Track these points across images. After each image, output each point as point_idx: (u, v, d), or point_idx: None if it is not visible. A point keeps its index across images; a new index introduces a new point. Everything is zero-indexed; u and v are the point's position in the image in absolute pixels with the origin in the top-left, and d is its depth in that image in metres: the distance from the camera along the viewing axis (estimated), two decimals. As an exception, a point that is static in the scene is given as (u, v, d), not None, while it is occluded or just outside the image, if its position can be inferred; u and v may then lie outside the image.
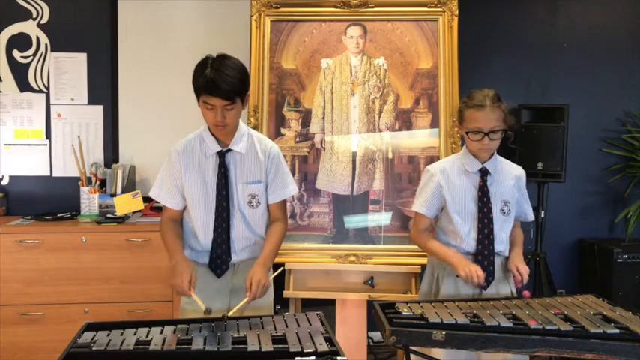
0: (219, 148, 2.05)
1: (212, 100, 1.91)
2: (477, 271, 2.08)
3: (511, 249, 2.28)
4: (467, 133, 2.18)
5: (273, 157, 2.11)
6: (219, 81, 1.87)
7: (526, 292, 2.15)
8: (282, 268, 2.16)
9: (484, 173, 2.22)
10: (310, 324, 1.82)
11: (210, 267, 2.09)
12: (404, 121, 3.01)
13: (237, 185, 2.07)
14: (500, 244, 2.23)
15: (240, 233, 2.09)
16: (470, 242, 2.22)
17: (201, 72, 1.90)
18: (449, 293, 2.22)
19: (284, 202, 2.18)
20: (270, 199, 2.13)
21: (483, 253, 2.20)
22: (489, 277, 2.20)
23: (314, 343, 1.65)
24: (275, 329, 1.77)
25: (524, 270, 2.18)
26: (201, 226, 2.07)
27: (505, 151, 2.40)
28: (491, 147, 2.18)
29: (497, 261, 2.23)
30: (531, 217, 2.39)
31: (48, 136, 3.52)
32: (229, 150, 2.05)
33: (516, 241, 2.31)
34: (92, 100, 3.54)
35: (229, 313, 1.89)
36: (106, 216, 3.23)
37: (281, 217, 2.17)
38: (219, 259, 2.08)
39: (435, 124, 3.00)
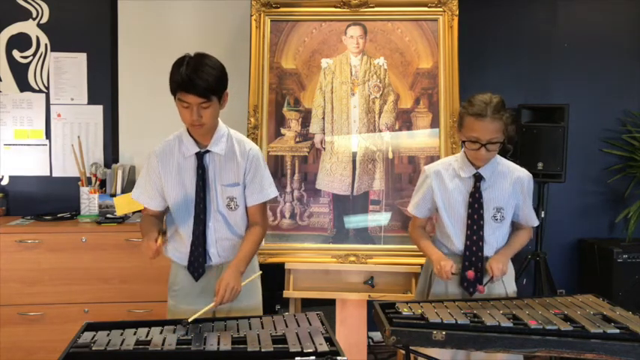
0: (198, 149, 2.02)
1: (187, 98, 1.88)
2: (445, 267, 2.08)
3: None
4: (464, 141, 2.13)
5: (252, 158, 2.07)
6: (195, 78, 1.84)
7: (480, 288, 2.12)
8: (260, 272, 2.11)
9: (477, 179, 2.18)
10: (310, 324, 1.82)
11: (189, 269, 2.08)
12: (404, 121, 3.01)
13: (216, 187, 2.04)
14: (491, 250, 2.20)
15: (220, 235, 2.07)
16: (458, 245, 2.21)
17: (177, 70, 1.87)
18: (439, 292, 2.22)
19: (263, 205, 2.13)
20: (248, 202, 2.10)
21: (471, 258, 2.18)
22: (477, 282, 2.17)
23: (314, 343, 1.65)
24: (275, 329, 1.77)
25: (497, 268, 2.10)
26: (182, 228, 2.07)
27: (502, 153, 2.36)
28: (487, 157, 2.14)
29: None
30: (533, 223, 2.29)
31: (48, 136, 3.52)
32: (208, 151, 2.03)
33: (511, 242, 2.25)
34: (92, 100, 3.53)
35: (190, 319, 1.81)
36: (105, 216, 3.23)
37: (259, 221, 2.12)
38: (197, 262, 2.06)
39: (435, 124, 3.00)
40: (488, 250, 2.20)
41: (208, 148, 2.02)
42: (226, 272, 1.96)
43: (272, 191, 2.12)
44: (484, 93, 2.11)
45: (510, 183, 2.21)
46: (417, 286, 2.39)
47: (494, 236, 2.21)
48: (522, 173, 2.24)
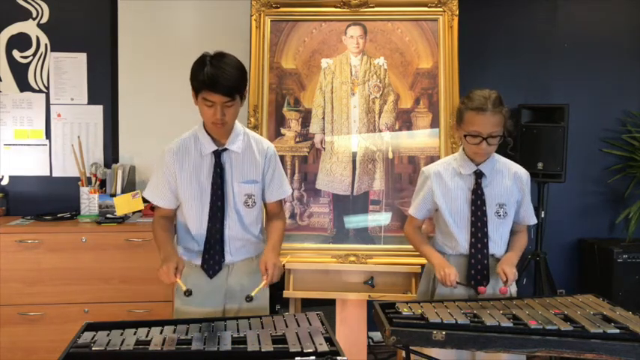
0: (215, 147, 2.04)
1: (212, 97, 1.90)
2: (450, 275, 2.08)
3: (506, 252, 2.23)
4: (465, 135, 2.15)
5: (271, 157, 2.12)
6: (220, 77, 1.87)
7: (503, 289, 2.10)
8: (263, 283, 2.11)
9: (478, 175, 2.19)
10: (310, 324, 1.82)
11: (203, 267, 2.08)
12: (404, 121, 3.01)
13: (233, 185, 2.06)
14: (496, 247, 2.21)
15: (234, 233, 2.08)
16: (463, 244, 2.20)
17: (201, 69, 1.89)
18: (444, 293, 2.21)
19: (281, 200, 2.21)
20: (268, 199, 2.15)
21: (477, 256, 2.18)
22: (484, 280, 2.18)
23: (314, 343, 1.65)
24: (275, 329, 1.77)
25: (510, 272, 2.10)
26: (196, 226, 2.07)
27: (504, 153, 2.38)
28: (488, 151, 2.16)
29: (493, 263, 2.20)
30: (531, 221, 2.30)
31: (48, 136, 3.52)
32: (225, 149, 2.05)
33: (515, 246, 2.25)
34: (92, 100, 3.54)
35: (252, 293, 1.92)
36: (105, 216, 3.23)
37: (279, 212, 2.21)
38: (212, 259, 2.07)
39: (435, 124, 3.00)
40: (493, 248, 2.20)
41: (226, 146, 2.04)
42: (267, 254, 2.03)
43: (289, 188, 2.22)
44: (482, 89, 2.14)
45: (510, 179, 2.23)
46: (419, 287, 2.38)
47: (499, 233, 2.21)
48: (520, 170, 2.27)
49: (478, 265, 2.18)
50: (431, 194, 2.24)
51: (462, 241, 2.20)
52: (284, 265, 2.77)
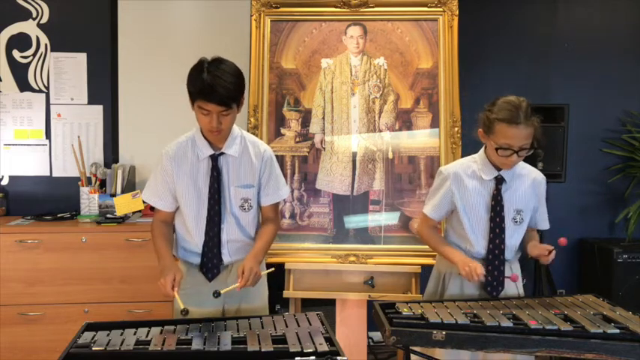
0: (212, 152, 2.03)
1: (208, 106, 1.88)
2: (476, 269, 2.04)
3: (528, 243, 2.22)
4: (496, 149, 2.06)
5: (267, 160, 2.10)
6: (216, 87, 1.84)
7: (562, 240, 2.10)
8: (272, 268, 2.13)
9: (499, 181, 2.14)
10: (310, 324, 1.82)
11: (202, 270, 2.08)
12: (404, 121, 3.01)
13: (229, 189, 2.05)
14: (509, 253, 2.19)
15: (232, 236, 2.08)
16: (479, 249, 2.18)
17: (197, 77, 1.87)
18: (454, 293, 2.21)
19: (277, 203, 2.17)
20: (263, 202, 2.12)
21: (493, 262, 2.15)
22: (499, 286, 2.16)
23: (314, 343, 1.65)
24: (275, 329, 1.77)
25: (546, 247, 2.14)
26: (193, 229, 2.06)
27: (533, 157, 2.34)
28: (516, 162, 2.10)
29: (507, 268, 2.18)
30: (545, 226, 2.29)
31: (48, 136, 3.52)
32: (222, 153, 2.04)
33: (534, 238, 2.27)
34: (92, 100, 3.53)
35: (222, 291, 1.91)
36: (105, 216, 3.23)
37: (273, 218, 2.16)
38: (210, 262, 2.07)
39: (435, 124, 3.00)
40: (507, 254, 2.18)
41: (223, 150, 2.03)
42: (247, 258, 1.99)
43: (285, 191, 2.17)
44: (509, 96, 2.06)
45: (529, 185, 2.19)
46: (427, 287, 2.35)
47: (513, 239, 2.19)
48: (539, 175, 2.23)
49: (495, 272, 2.15)
50: (450, 195, 2.19)
51: (477, 246, 2.17)
52: (282, 265, 2.78)
